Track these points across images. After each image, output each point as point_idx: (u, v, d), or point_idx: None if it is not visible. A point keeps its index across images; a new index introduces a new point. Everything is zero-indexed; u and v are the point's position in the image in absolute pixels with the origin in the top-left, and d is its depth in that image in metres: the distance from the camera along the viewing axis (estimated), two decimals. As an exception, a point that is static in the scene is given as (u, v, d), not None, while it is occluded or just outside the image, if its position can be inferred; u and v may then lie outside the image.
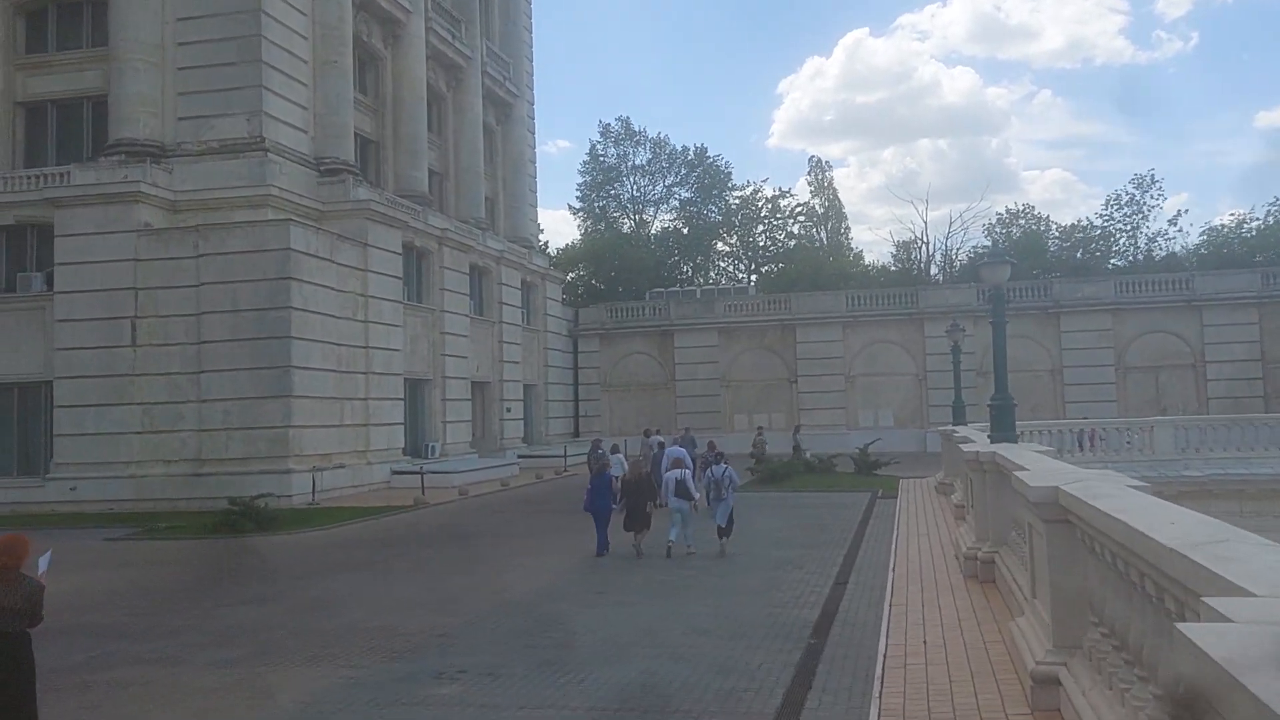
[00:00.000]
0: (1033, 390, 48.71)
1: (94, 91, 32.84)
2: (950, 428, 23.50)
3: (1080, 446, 26.69)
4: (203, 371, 29.59)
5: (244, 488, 28.79)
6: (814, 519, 22.53)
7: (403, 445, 35.53)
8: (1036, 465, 7.90)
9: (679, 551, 16.90)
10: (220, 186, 31.12)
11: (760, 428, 41.23)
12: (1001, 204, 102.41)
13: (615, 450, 27.40)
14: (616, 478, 20.31)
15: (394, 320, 35.00)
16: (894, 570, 13.32)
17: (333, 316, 31.45)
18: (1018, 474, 7.43)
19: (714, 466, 18.06)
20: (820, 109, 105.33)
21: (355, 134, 37.77)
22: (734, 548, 17.34)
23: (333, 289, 31.53)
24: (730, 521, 17.39)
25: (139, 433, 29.87)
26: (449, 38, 42.85)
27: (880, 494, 27.00)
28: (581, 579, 15.39)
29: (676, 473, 17.48)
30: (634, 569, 16.32)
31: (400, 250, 35.61)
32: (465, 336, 40.63)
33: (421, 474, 30.50)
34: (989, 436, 13.35)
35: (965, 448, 12.39)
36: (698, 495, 17.71)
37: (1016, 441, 12.69)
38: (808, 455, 35.91)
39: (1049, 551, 6.45)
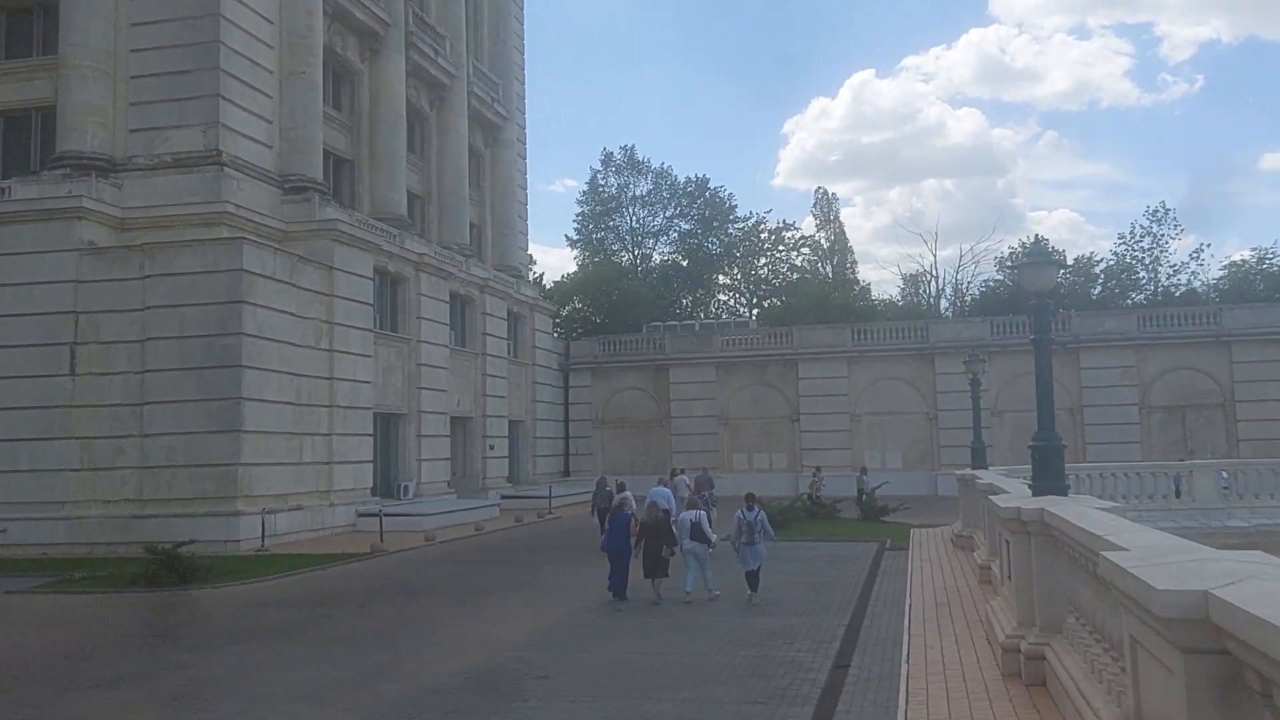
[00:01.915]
0: (1050, 430, 45.93)
1: (43, 102, 30.50)
2: (969, 472, 20.72)
3: (1176, 492, 24.24)
4: (146, 403, 27.01)
5: (188, 531, 26.12)
6: (813, 574, 19.76)
7: (371, 485, 32.83)
8: (1132, 538, 5.25)
9: (699, 598, 16.08)
10: (172, 203, 28.70)
11: (819, 468, 37.99)
12: (1010, 244, 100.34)
13: (623, 488, 24.86)
14: (634, 516, 19.03)
15: (363, 350, 32.42)
16: (909, 658, 10.55)
17: (292, 345, 28.88)
18: (1112, 557, 4.75)
19: (745, 510, 16.86)
20: (826, 149, 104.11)
21: (328, 152, 35.47)
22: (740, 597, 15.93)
23: (292, 315, 28.99)
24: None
25: (76, 470, 27.23)
26: (432, 54, 40.65)
27: (889, 544, 24.22)
28: (524, 656, 12.64)
29: (692, 514, 16.68)
30: (593, 642, 13.58)
31: (372, 275, 33.12)
32: (444, 369, 38.03)
33: (380, 517, 27.73)
34: (1030, 485, 10.59)
35: (1000, 502, 9.66)
36: (715, 538, 16.74)
37: (1066, 492, 10.03)
38: (868, 494, 33.25)
39: (1190, 699, 3.76)
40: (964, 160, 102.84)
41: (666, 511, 18.95)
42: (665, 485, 27.12)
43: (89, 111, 29.04)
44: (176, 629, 15.24)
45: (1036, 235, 70.48)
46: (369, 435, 32.75)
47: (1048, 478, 10.10)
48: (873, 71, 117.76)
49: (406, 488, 35.10)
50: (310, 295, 30.03)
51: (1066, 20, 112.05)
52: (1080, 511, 7.51)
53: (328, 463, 30.52)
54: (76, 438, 27.19)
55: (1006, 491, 11.97)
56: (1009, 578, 9.88)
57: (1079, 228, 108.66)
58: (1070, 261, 65.56)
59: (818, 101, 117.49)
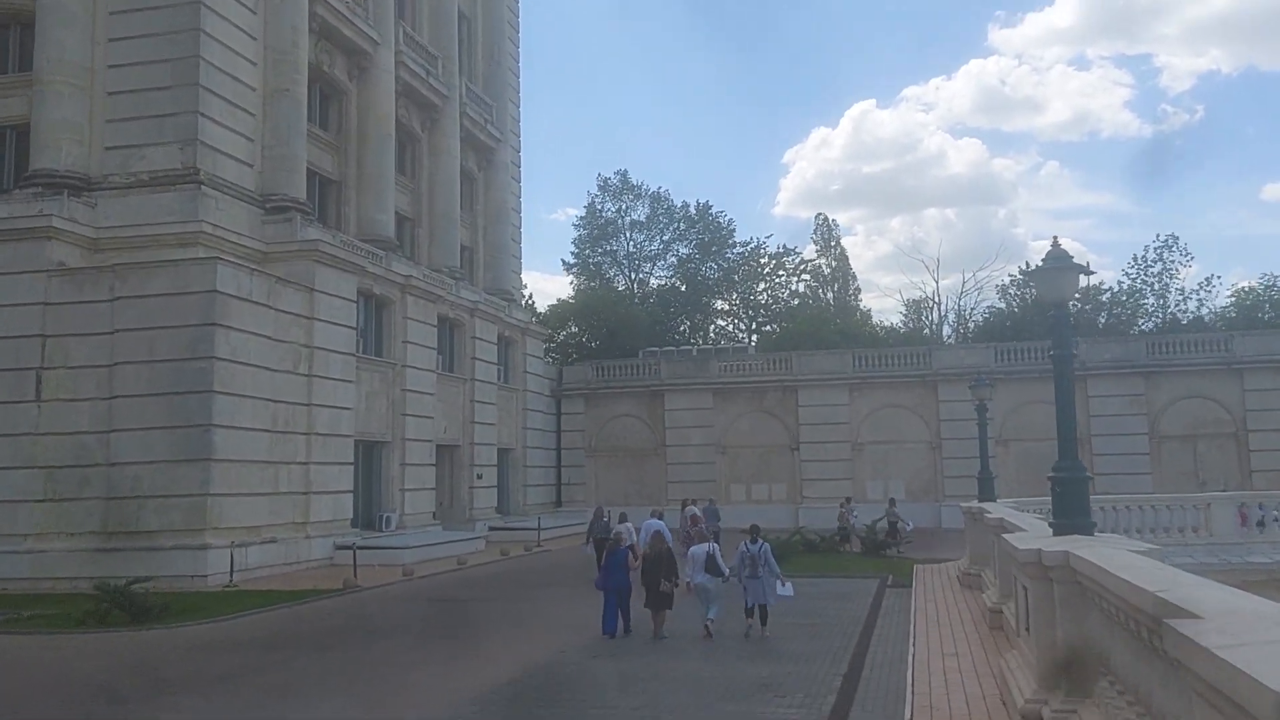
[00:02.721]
0: (1057, 460, 44.65)
1: (18, 120, 29.44)
2: (977, 505, 19.46)
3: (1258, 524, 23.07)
4: (114, 430, 25.83)
5: (155, 565, 25.03)
6: (811, 613, 18.48)
7: (351, 516, 31.54)
8: (1201, 599, 4.06)
9: (734, 633, 15.88)
10: (148, 223, 27.65)
11: (848, 498, 36.50)
12: (1011, 272, 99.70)
13: (624, 519, 24.80)
14: (633, 548, 18.77)
15: (344, 375, 31.26)
16: (913, 717, 9.29)
17: (268, 369, 27.74)
18: (1182, 629, 3.56)
19: (748, 543, 16.50)
20: (827, 178, 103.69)
21: (314, 172, 34.49)
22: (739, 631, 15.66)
23: (269, 338, 27.87)
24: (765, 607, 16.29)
25: (40, 500, 26.00)
26: (423, 73, 39.78)
27: (891, 581, 22.95)
28: (488, 713, 11.37)
29: (706, 546, 16.33)
30: (564, 694, 12.32)
31: (355, 297, 32.02)
32: (431, 394, 36.85)
33: (354, 550, 26.47)
34: (1051, 524, 9.34)
35: (1017, 542, 8.45)
36: (728, 571, 16.33)
37: (1092, 531, 8.80)
38: (904, 530, 32.32)
39: None
40: (965, 190, 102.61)
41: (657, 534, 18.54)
42: (660, 517, 26.34)
43: (63, 128, 28.06)
44: (112, 676, 13.97)
45: (1027, 262, 69.36)
46: (349, 464, 31.52)
47: (1071, 514, 8.85)
48: (873, 101, 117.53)
49: (389, 519, 33.82)
50: (289, 318, 28.92)
51: (1066, 51, 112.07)
52: (1117, 557, 6.31)
53: (305, 493, 29.27)
54: (40, 467, 26.00)
55: (1022, 529, 10.74)
56: (1027, 629, 8.66)
57: (1080, 257, 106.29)
58: (1081, 287, 64.53)
59: (818, 131, 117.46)
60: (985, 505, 18.10)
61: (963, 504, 24.17)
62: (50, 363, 26.39)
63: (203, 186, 27.83)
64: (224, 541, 25.41)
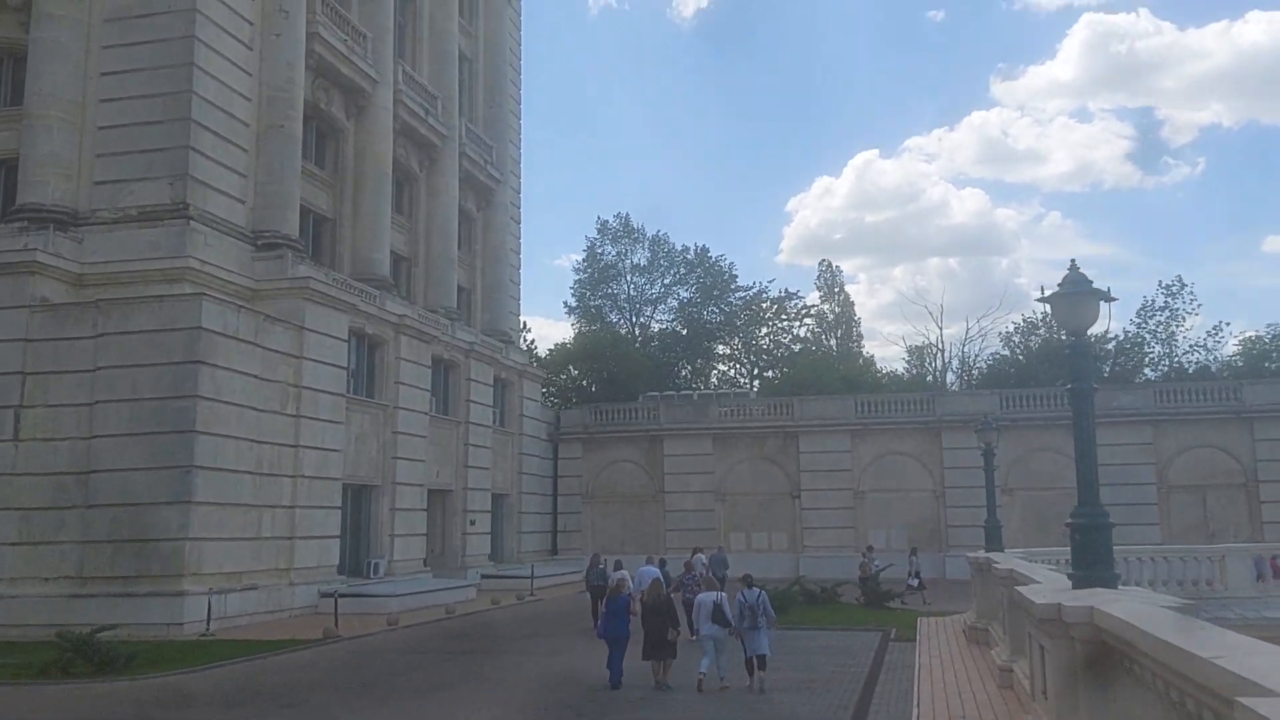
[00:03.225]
0: (1067, 510, 43.33)
1: (8, 154, 29.09)
2: (985, 555, 18.58)
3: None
4: (93, 472, 25.05)
5: (130, 612, 24.17)
6: (808, 669, 17.58)
7: (337, 563, 30.62)
8: (1271, 668, 3.30)
9: (711, 685, 15.25)
10: (135, 258, 27.12)
11: (871, 546, 35.49)
12: (1015, 320, 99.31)
13: (619, 567, 24.20)
14: (634, 595, 18.36)
15: (333, 416, 30.52)
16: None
17: (254, 409, 27.02)
18: (1266, 711, 2.80)
19: (746, 590, 16.07)
20: (830, 227, 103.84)
21: (309, 210, 34.06)
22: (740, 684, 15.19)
23: (256, 377, 27.19)
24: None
25: (14, 544, 25.18)
26: (422, 113, 39.49)
27: (894, 635, 21.98)
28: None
29: (713, 595, 15.90)
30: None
31: (346, 336, 31.37)
32: (423, 437, 36.05)
33: (336, 599, 25.53)
34: (1069, 575, 8.47)
35: (1033, 596, 7.61)
36: (734, 623, 15.93)
37: (1116, 583, 7.96)
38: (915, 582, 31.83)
39: None
40: (967, 239, 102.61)
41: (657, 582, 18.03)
42: (662, 564, 25.78)
43: (52, 163, 27.63)
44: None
45: (1033, 310, 68.71)
46: (337, 508, 30.66)
47: (1092, 563, 8.01)
48: (876, 151, 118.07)
49: (377, 565, 32.86)
50: (277, 356, 28.25)
51: (1068, 103, 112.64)
52: (1154, 615, 5.54)
53: (289, 538, 28.39)
54: (16, 509, 25.20)
55: (1035, 580, 9.93)
56: (1044, 694, 7.83)
57: None
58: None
59: (822, 180, 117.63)
60: (993, 555, 17.23)
61: (968, 554, 23.30)
62: (30, 401, 25.69)
63: (191, 222, 27.31)
64: (202, 588, 24.51)
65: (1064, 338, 8.46)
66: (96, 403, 25.26)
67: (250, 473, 26.90)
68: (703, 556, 31.20)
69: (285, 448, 28.41)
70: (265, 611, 27.10)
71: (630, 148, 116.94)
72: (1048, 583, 9.49)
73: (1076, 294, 8.20)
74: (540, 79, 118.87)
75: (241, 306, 27.20)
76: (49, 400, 25.57)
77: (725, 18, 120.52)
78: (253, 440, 26.99)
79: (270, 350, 27.89)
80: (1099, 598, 6.73)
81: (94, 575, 24.65)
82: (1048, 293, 8.15)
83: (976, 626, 17.74)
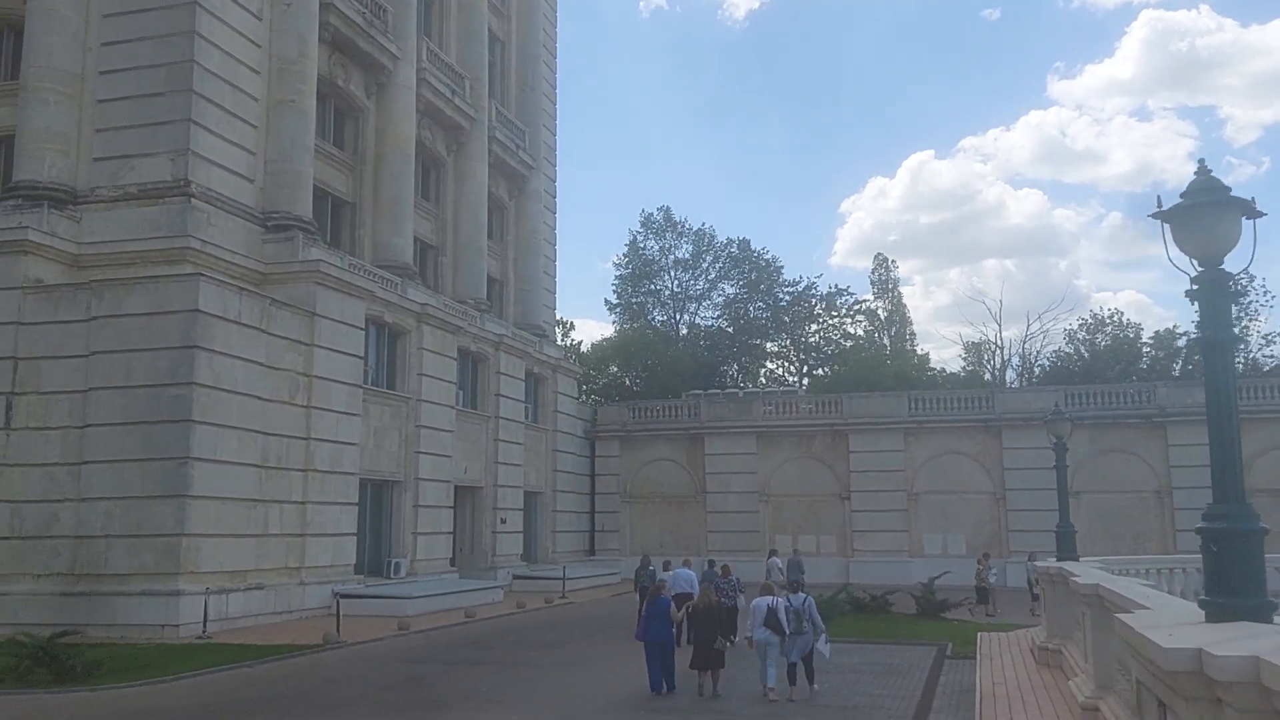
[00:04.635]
0: (1135, 515, 40.65)
1: (7, 130, 27.74)
2: (1057, 565, 16.07)
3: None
4: (85, 463, 23.49)
5: (123, 612, 22.72)
6: (849, 692, 15.31)
7: (353, 561, 28.86)
8: None
9: (782, 694, 14.63)
10: (133, 238, 25.59)
11: (986, 553, 32.84)
12: (1080, 317, 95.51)
13: (668, 567, 23.85)
14: (675, 596, 17.92)
15: (349, 407, 28.75)
16: None
17: (258, 398, 25.30)
18: None
19: (792, 595, 15.40)
20: (884, 228, 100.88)
21: (327, 193, 32.42)
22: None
23: (261, 364, 25.47)
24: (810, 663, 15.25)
25: (5, 539, 23.74)
26: (448, 93, 37.67)
27: (950, 652, 19.54)
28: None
29: (768, 599, 15.13)
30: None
31: (362, 324, 29.58)
32: (449, 432, 34.20)
33: (337, 600, 23.66)
34: (1202, 603, 6.11)
35: (1158, 639, 5.17)
36: (789, 629, 15.10)
37: (1271, 615, 5.61)
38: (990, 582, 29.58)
39: None
40: (1025, 241, 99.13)
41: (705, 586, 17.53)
42: (689, 567, 24.36)
43: (49, 138, 26.17)
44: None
45: (1091, 313, 65.02)
46: (353, 504, 28.88)
47: (1236, 587, 5.57)
48: (931, 152, 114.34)
49: (398, 565, 31.06)
50: (285, 343, 26.53)
51: (1127, 102, 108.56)
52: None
53: (300, 535, 26.68)
54: (7, 501, 23.78)
55: (1141, 604, 7.56)
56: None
57: (1146, 309, 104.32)
58: (1149, 337, 60.36)
59: (875, 180, 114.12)
60: (1068, 566, 14.73)
61: (1036, 561, 20.76)
62: (22, 388, 24.24)
63: (193, 200, 25.67)
64: (199, 587, 22.81)
65: (1191, 266, 6.01)
66: (90, 390, 23.71)
67: (255, 466, 25.21)
68: (778, 560, 30.43)
69: (295, 440, 26.70)
70: (272, 612, 25.41)
71: (680, 151, 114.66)
72: (1159, 609, 7.12)
73: (1208, 205, 5.81)
74: (591, 82, 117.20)
75: (244, 289, 25.48)
76: (41, 387, 24.09)
77: (777, 19, 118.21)
78: (257, 431, 25.30)
79: (277, 336, 26.17)
80: (1264, 641, 4.46)
81: (85, 573, 23.09)
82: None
83: (1048, 647, 15.25)
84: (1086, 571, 12.50)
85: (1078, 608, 11.71)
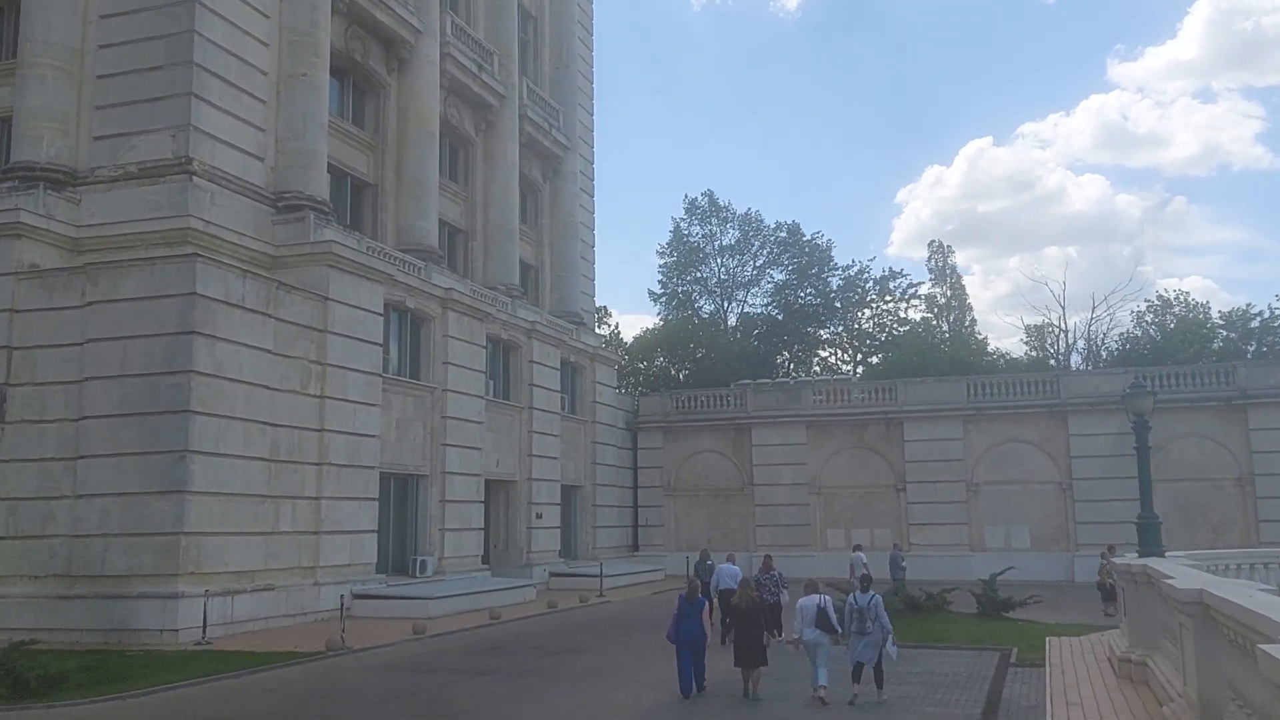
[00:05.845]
0: (1214, 504, 37.74)
1: (5, 111, 26.55)
2: (1139, 561, 13.81)
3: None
4: (81, 457, 22.17)
5: (120, 616, 21.40)
6: (895, 711, 13.26)
7: (374, 560, 27.30)
8: None
9: (838, 698, 13.88)
10: (133, 219, 24.24)
11: (1111, 545, 30.00)
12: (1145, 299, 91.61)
13: (730, 560, 23.71)
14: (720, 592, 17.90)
15: (367, 397, 27.17)
16: None
17: (265, 388, 23.80)
18: None
19: (859, 594, 14.77)
20: (942, 217, 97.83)
21: (346, 174, 30.99)
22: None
23: (268, 352, 23.97)
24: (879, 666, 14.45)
25: (1, 539, 22.48)
26: (475, 69, 36.00)
27: (1015, 659, 17.32)
28: None
29: (816, 598, 14.56)
30: None
31: (381, 310, 28.01)
32: (478, 423, 32.55)
33: (342, 604, 22.02)
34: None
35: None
36: (840, 629, 14.65)
37: None
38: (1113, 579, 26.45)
39: None
40: (1087, 227, 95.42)
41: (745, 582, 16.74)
42: (733, 562, 23.39)
43: (46, 116, 24.96)
44: None
45: (1159, 295, 61.34)
46: (373, 500, 27.32)
47: None
48: (989, 139, 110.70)
49: (424, 563, 29.47)
50: (296, 329, 25.02)
51: (1190, 84, 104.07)
52: None
53: (314, 532, 25.17)
54: (3, 499, 22.53)
55: (1273, 619, 5.48)
56: None
57: (1214, 294, 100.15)
58: (1217, 316, 56.84)
59: (932, 169, 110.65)
60: (1153, 564, 12.48)
61: (1114, 557, 18.43)
62: (16, 378, 23.00)
63: (194, 178, 24.24)
64: (200, 589, 21.35)
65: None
66: (85, 380, 22.37)
67: (263, 459, 23.71)
68: (862, 555, 28.94)
69: (308, 432, 25.19)
70: (284, 615, 23.93)
71: (734, 144, 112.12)
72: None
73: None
74: (643, 74, 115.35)
75: (247, 271, 23.96)
76: (36, 378, 22.83)
77: (830, 8, 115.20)
78: (265, 423, 23.79)
79: (286, 322, 24.66)
80: None
81: (82, 575, 21.76)
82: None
83: (1130, 659, 13.02)
84: (1181, 572, 10.29)
85: (1171, 616, 9.55)
